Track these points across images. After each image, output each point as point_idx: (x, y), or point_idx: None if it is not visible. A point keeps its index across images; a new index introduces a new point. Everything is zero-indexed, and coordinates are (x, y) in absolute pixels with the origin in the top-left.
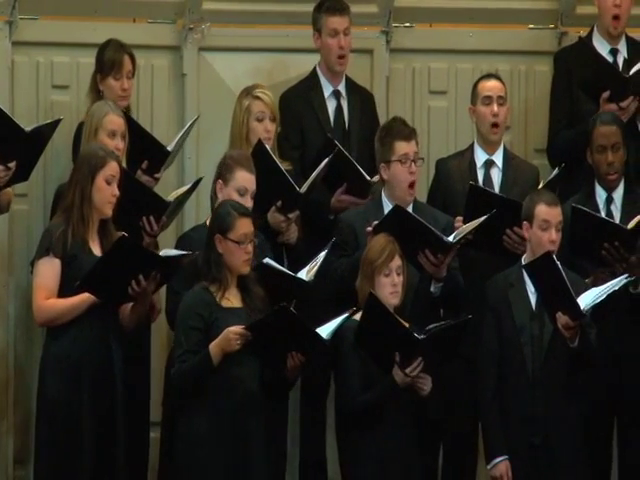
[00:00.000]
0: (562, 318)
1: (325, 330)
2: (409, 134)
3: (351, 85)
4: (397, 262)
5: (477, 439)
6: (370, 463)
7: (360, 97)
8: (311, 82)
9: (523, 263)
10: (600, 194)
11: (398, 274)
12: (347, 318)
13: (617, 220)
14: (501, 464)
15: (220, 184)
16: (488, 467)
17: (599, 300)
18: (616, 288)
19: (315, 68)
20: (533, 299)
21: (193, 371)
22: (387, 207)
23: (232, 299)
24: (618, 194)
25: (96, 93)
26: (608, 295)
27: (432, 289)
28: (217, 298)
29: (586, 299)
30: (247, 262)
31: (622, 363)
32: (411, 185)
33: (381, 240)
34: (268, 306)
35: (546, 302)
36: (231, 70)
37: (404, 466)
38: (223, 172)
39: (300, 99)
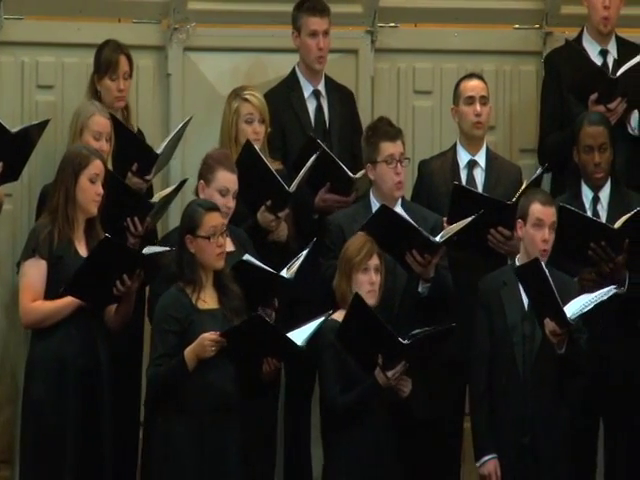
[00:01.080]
0: (549, 324)
1: (300, 336)
2: (395, 134)
3: (330, 84)
4: (375, 261)
5: (461, 440)
6: (350, 464)
7: (339, 95)
8: (291, 82)
9: (517, 263)
10: (586, 194)
11: (376, 273)
12: (323, 322)
13: (603, 220)
14: (489, 462)
15: (202, 185)
16: (477, 464)
17: (586, 310)
18: (604, 298)
19: (294, 68)
20: (526, 299)
21: (168, 375)
22: (375, 207)
23: (208, 300)
24: (604, 194)
25: (94, 94)
26: (595, 305)
27: (420, 289)
28: (193, 300)
29: (573, 308)
30: (220, 256)
31: (609, 364)
32: (398, 185)
33: (359, 239)
34: (245, 305)
35: (535, 307)
36: (216, 70)
37: (384, 467)
38: (204, 173)
39: (280, 100)
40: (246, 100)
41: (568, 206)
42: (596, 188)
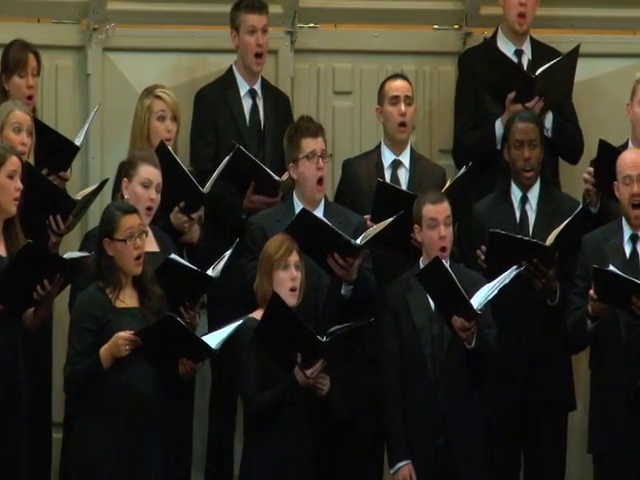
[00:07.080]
0: (457, 321)
1: (215, 339)
2: (316, 131)
3: (267, 85)
4: (295, 257)
5: (383, 439)
6: (264, 462)
7: (275, 99)
8: (227, 80)
9: (420, 267)
10: (515, 193)
11: (296, 269)
12: (239, 327)
13: (531, 221)
14: (404, 468)
15: (125, 182)
16: (391, 472)
17: (491, 296)
18: (506, 282)
19: (231, 67)
20: (432, 300)
21: (84, 374)
22: (298, 208)
23: (127, 299)
24: (533, 194)
25: (2, 94)
26: (499, 290)
27: (342, 292)
28: (112, 299)
29: (479, 298)
30: (138, 261)
31: (533, 362)
32: (319, 181)
33: (279, 237)
34: (166, 306)
35: (441, 307)
36: (135, 70)
37: (298, 466)
38: (127, 170)
39: (215, 97)
40: (158, 97)
41: (498, 231)
42: (525, 188)
